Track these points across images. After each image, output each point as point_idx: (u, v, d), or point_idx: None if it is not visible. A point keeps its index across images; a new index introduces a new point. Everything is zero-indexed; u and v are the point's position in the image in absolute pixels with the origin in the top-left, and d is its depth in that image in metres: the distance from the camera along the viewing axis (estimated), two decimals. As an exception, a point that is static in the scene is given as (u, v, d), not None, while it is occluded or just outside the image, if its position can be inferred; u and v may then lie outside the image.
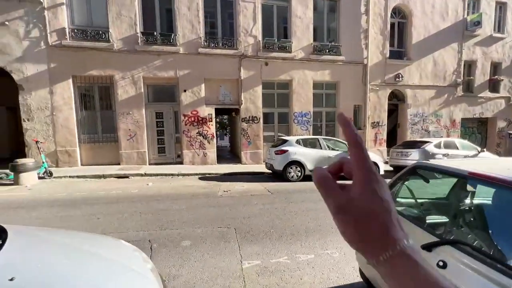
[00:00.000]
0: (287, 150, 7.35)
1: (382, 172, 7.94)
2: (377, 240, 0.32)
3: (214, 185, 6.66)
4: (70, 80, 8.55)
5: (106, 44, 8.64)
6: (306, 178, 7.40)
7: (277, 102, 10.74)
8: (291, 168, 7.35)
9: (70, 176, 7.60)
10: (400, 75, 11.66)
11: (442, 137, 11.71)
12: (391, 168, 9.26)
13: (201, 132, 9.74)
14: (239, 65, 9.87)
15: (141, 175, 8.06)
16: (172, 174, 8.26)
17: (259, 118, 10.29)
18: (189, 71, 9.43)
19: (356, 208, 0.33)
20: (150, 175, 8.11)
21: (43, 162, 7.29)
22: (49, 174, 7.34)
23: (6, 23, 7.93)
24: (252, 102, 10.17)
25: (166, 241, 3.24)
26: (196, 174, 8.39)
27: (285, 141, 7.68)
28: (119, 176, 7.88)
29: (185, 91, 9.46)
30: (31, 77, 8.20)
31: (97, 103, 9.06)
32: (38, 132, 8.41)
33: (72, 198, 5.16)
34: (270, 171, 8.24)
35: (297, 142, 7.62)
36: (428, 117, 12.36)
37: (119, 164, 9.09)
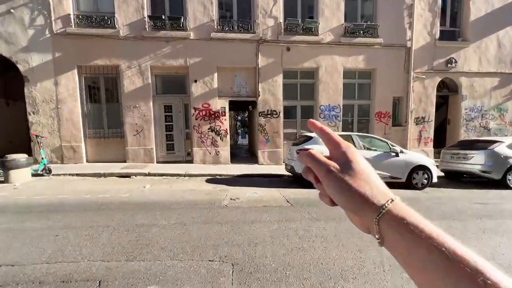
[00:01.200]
0: (313, 149, 5.96)
1: (435, 180, 6.20)
2: (365, 200, 0.35)
3: (220, 190, 5.52)
4: (75, 71, 7.97)
5: (112, 31, 7.92)
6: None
7: (300, 94, 9.32)
8: (317, 171, 5.94)
9: (70, 174, 6.97)
10: (453, 60, 9.55)
11: (506, 135, 9.38)
12: (442, 174, 7.39)
13: (213, 128, 8.68)
14: (256, 51, 8.62)
15: (145, 174, 7.20)
16: (178, 175, 7.30)
17: (279, 112, 8.96)
18: (200, 59, 8.41)
19: (343, 169, 0.38)
20: (154, 175, 7.22)
21: (42, 158, 6.72)
22: (48, 172, 6.76)
23: (12, 10, 7.52)
24: (271, 94, 8.87)
25: (124, 284, 2.12)
26: (204, 175, 7.34)
27: (309, 139, 6.28)
28: (121, 175, 7.10)
29: (195, 81, 8.46)
30: (36, 68, 7.74)
31: (103, 95, 8.41)
32: (43, 126, 7.96)
33: (50, 203, 4.33)
34: (290, 174, 6.91)
35: (325, 139, 6.17)
36: (489, 112, 10.05)
37: (125, 161, 8.38)
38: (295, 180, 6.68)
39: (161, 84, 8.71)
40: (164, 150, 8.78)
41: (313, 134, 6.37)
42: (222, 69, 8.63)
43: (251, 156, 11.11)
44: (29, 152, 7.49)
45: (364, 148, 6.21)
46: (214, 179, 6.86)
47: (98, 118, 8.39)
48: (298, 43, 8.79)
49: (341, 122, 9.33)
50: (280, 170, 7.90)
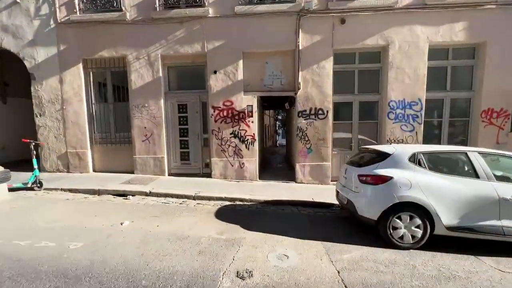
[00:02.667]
0: (392, 178, 3.35)
1: None
2: None
3: (228, 241, 3.36)
4: (80, 65, 6.82)
5: (118, 14, 6.50)
6: (435, 243, 3.25)
7: (358, 85, 6.57)
8: (400, 218, 3.32)
9: (62, 189, 5.74)
10: None
11: None
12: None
13: (236, 133, 6.63)
14: (296, 28, 6.23)
15: (145, 194, 5.55)
16: (185, 197, 5.45)
17: (327, 111, 6.40)
18: (221, 43, 6.42)
19: None
20: (156, 195, 5.51)
21: (34, 169, 5.62)
22: (38, 185, 5.65)
23: (18, 0, 6.71)
24: (316, 86, 6.37)
25: None
26: (219, 200, 5.33)
27: (383, 155, 3.67)
28: (117, 194, 5.58)
29: (215, 72, 6.51)
30: (42, 64, 6.81)
31: (110, 93, 7.12)
32: (49, 129, 7.04)
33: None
34: (343, 205, 4.37)
35: (413, 159, 3.48)
36: None
37: (133, 172, 6.95)
38: (352, 219, 4.13)
39: (174, 77, 7.02)
40: (178, 159, 7.08)
41: (390, 149, 3.73)
42: (250, 55, 6.49)
43: (287, 168, 8.74)
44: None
45: (496, 179, 3.29)
46: (229, 209, 4.76)
47: (105, 121, 7.15)
48: (358, 11, 6.08)
49: (422, 125, 6.27)
50: (327, 194, 5.39)
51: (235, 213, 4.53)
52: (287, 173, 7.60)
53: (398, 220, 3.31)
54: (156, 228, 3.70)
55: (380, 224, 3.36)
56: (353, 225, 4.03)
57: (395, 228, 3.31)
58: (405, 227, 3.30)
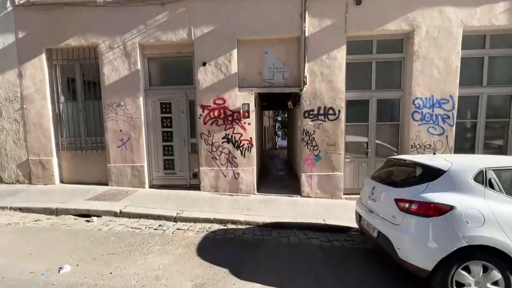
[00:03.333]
0: (453, 208, 2.25)
1: None
2: None
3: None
4: (43, 56, 5.71)
5: (87, -5, 5.41)
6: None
7: (375, 80, 5.49)
8: (468, 269, 2.20)
9: (11, 208, 4.61)
10: None
11: None
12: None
13: (230, 137, 5.52)
14: (302, 10, 5.15)
15: (114, 214, 4.43)
16: (164, 218, 4.33)
17: (339, 110, 5.31)
18: (211, 29, 5.33)
19: None
20: (128, 215, 4.40)
21: (-23, 183, 4.49)
22: (-19, 203, 4.52)
23: (-32, -22, 5.60)
24: (326, 80, 5.29)
25: None
26: (208, 221, 4.24)
27: (432, 172, 2.56)
28: (80, 214, 4.46)
29: (204, 64, 5.42)
30: (-2, 55, 5.71)
31: (79, 90, 6.00)
32: (7, 133, 5.91)
33: None
34: (372, 238, 3.27)
35: (481, 178, 2.38)
36: None
37: (107, 183, 5.83)
38: (387, 260, 3.01)
39: (155, 71, 5.92)
40: (161, 168, 5.96)
41: (442, 163, 2.63)
42: (246, 43, 5.41)
43: (289, 175, 7.63)
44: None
45: None
46: (217, 239, 3.64)
47: (74, 122, 6.02)
48: (377, -11, 5.02)
49: (454, 127, 5.19)
50: (340, 212, 4.30)
51: (225, 245, 3.42)
52: (290, 184, 6.49)
53: (465, 273, 2.20)
54: (107, 277, 2.57)
55: (436, 278, 2.25)
56: (386, 265, 2.93)
57: (460, 285, 2.20)
58: (476, 284, 2.19)
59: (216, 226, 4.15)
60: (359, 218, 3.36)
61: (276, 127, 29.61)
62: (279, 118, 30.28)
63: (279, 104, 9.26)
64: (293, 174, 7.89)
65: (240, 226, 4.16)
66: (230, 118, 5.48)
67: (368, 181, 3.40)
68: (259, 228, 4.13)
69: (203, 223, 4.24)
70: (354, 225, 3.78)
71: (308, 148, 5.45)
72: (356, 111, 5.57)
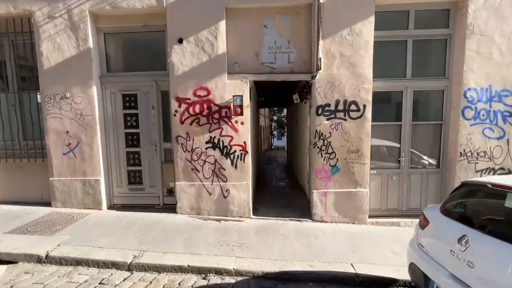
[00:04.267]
0: None
1: None
2: None
3: None
4: (-43, 29, 4.13)
5: None
6: None
7: (412, 64, 4.10)
8: None
9: None
10: None
11: None
12: None
13: (216, 141, 4.07)
14: (315, -34, 3.72)
15: (37, 259, 2.92)
16: (113, 265, 2.86)
17: (364, 105, 3.92)
18: (189, -8, 3.86)
19: None
20: (58, 261, 2.91)
21: None
22: None
23: None
24: (347, 64, 3.88)
25: None
26: (180, 271, 2.80)
27: None
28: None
29: (180, 41, 3.94)
30: None
31: (12, 76, 4.43)
32: None
33: None
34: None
35: None
36: None
37: (50, 204, 4.30)
38: None
39: (115, 51, 4.39)
40: (124, 183, 4.46)
41: None
42: (238, 12, 3.95)
43: (292, 187, 6.20)
44: None
45: None
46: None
47: (5, 122, 4.45)
48: None
49: (517, 129, 3.87)
50: (370, 248, 2.88)
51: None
52: (296, 200, 5.06)
53: None
54: None
55: None
56: None
57: None
58: None
59: (193, 279, 2.72)
60: (412, 269, 2.01)
61: (272, 126, 28.38)
62: (275, 118, 29.06)
63: (280, 98, 7.74)
64: (296, 184, 6.48)
65: (228, 279, 2.72)
66: (216, 116, 4.02)
67: (440, 218, 2.03)
68: (256, 280, 2.71)
69: (173, 273, 2.79)
70: (400, 273, 2.43)
71: (322, 156, 4.04)
72: (385, 107, 4.19)
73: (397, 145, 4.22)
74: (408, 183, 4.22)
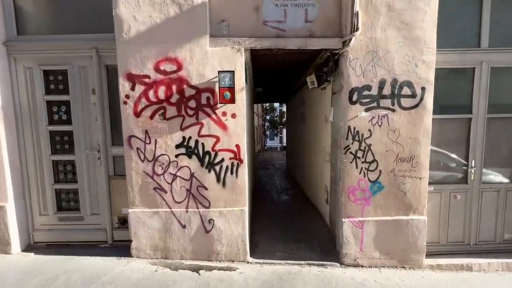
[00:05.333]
0: None
1: None
2: None
3: None
4: None
5: None
6: None
7: (490, 27, 2.73)
8: None
9: None
10: None
11: None
12: None
13: (192, 144, 2.57)
14: None
15: None
16: None
17: (423, 88, 2.52)
18: None
19: None
20: None
21: None
22: None
23: None
24: (398, 24, 2.47)
25: None
26: None
27: None
28: None
29: (133, -18, 2.41)
30: None
31: None
32: None
33: None
34: None
35: None
36: None
37: None
38: None
39: (31, 2, 2.80)
40: (50, 209, 2.88)
41: None
42: None
43: (299, 203, 4.73)
44: None
45: None
46: None
47: None
48: None
49: None
50: None
51: None
52: (310, 225, 3.61)
53: None
54: None
55: None
56: None
57: None
58: None
59: None
60: None
61: (265, 126, 27.17)
62: (267, 117, 27.88)
63: (281, 88, 6.06)
64: (303, 197, 5.05)
65: None
66: (192, 104, 2.53)
67: None
68: None
69: None
70: None
71: (357, 167, 2.62)
72: (445, 92, 2.82)
73: (464, 149, 2.86)
74: (478, 204, 2.87)
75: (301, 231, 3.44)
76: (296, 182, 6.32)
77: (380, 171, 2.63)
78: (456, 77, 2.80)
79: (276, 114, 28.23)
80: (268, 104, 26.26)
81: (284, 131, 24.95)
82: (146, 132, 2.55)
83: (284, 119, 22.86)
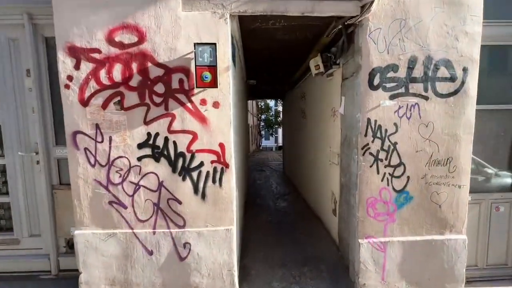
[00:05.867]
0: None
1: None
2: None
3: None
4: None
5: None
6: None
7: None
8: None
9: None
10: None
11: None
12: None
13: (160, 143, 1.90)
14: None
15: None
16: None
17: (465, 68, 1.92)
18: None
19: None
20: None
21: None
22: None
23: None
24: (437, -20, 1.85)
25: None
26: None
27: None
28: None
29: None
30: None
31: None
32: None
33: None
34: None
35: None
36: None
37: None
38: None
39: None
40: (-26, 230, 2.18)
41: None
42: None
43: (297, 209, 4.08)
44: None
45: None
46: None
47: None
48: None
49: None
50: None
51: None
52: (315, 243, 2.97)
53: None
54: None
55: None
56: None
57: None
58: None
59: None
60: None
61: (260, 126, 26.66)
62: (263, 117, 27.38)
63: (279, 79, 5.27)
64: (303, 203, 4.42)
65: None
66: (160, 89, 1.87)
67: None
68: None
69: None
70: None
71: (378, 172, 2.01)
72: (486, 76, 2.23)
73: (509, 147, 2.28)
74: (526, 218, 2.29)
75: (304, 249, 2.80)
76: (294, 185, 5.70)
77: (408, 177, 2.02)
78: (502, 56, 2.22)
79: (271, 114, 27.76)
80: (263, 103, 25.68)
81: (280, 130, 24.43)
82: (97, 126, 1.88)
83: (280, 118, 22.27)
